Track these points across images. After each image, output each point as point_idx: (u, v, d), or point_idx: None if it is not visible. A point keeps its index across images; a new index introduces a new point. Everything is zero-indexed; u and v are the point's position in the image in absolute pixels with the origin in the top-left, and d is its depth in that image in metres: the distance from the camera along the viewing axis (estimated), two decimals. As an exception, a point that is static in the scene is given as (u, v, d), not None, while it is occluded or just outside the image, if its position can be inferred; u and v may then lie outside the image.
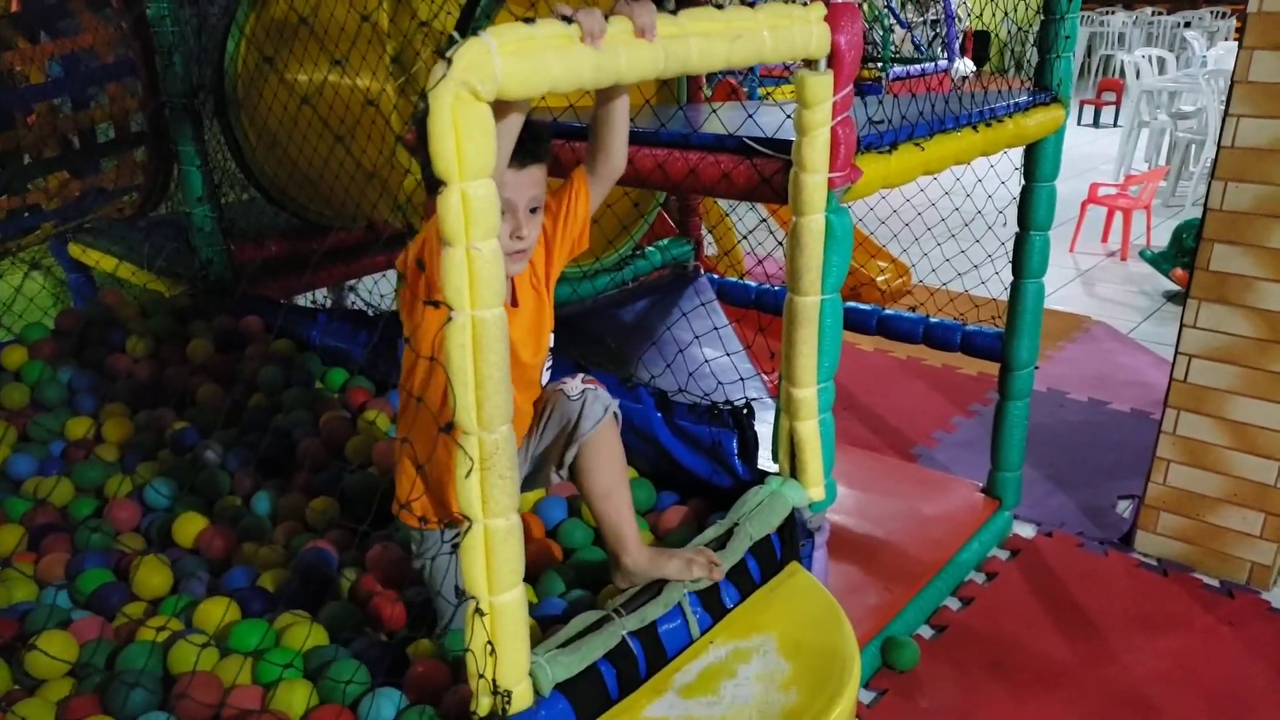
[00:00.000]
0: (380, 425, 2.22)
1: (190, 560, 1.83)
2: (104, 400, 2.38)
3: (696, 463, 1.85)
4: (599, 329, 2.71)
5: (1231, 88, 2.13)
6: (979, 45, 11.49)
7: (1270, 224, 2.14)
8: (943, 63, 8.80)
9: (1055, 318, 4.32)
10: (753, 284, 3.09)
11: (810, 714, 1.32)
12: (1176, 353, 2.35)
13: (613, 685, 1.33)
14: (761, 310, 3.10)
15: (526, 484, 1.59)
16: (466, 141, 0.97)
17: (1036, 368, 3.70)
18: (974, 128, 1.90)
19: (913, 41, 9.63)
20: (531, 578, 1.66)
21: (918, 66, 8.40)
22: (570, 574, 1.69)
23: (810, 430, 1.66)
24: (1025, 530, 2.65)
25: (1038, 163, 2.29)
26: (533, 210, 1.38)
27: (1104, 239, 5.53)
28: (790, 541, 1.67)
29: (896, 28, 9.47)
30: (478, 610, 1.15)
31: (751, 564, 1.58)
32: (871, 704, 2.03)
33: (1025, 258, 2.37)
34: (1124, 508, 2.73)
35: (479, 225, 1.00)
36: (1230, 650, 2.16)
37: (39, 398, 2.40)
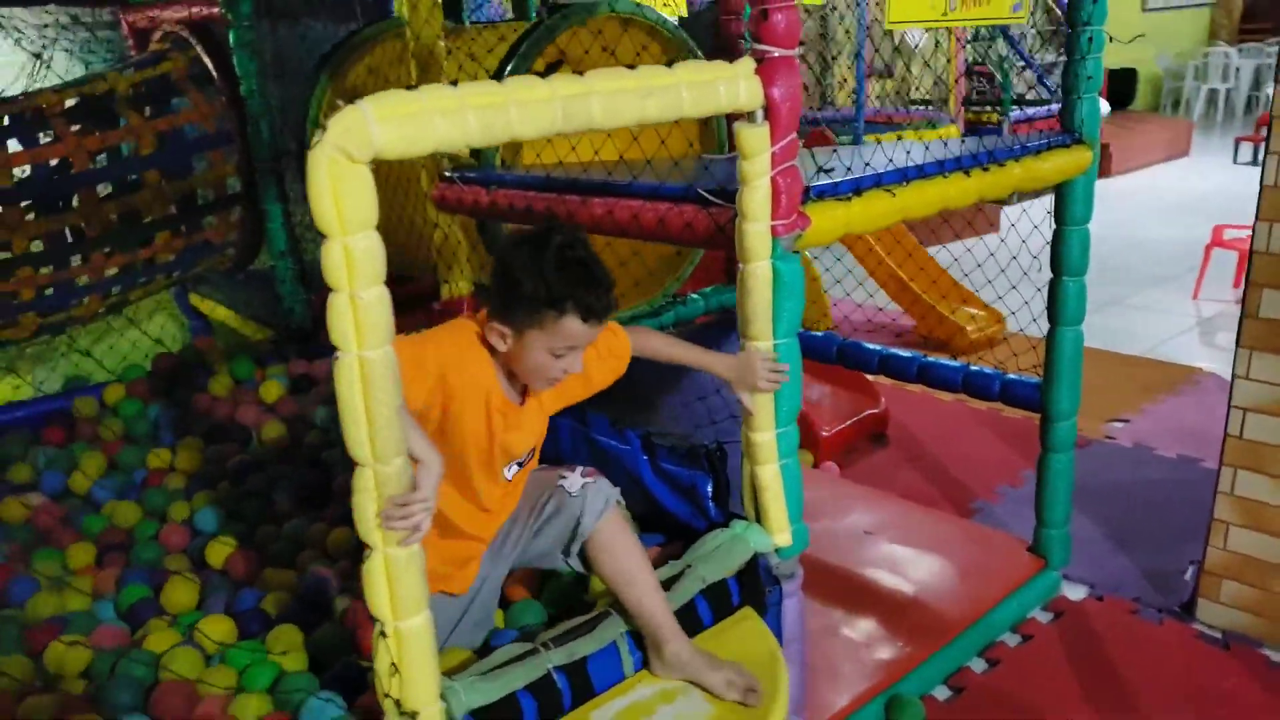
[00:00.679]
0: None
1: (216, 579, 2.00)
2: (182, 435, 2.63)
3: (678, 506, 1.87)
4: (632, 374, 2.77)
5: (1271, 123, 2.01)
6: (1121, 84, 10.99)
7: (1317, 268, 1.99)
8: (1073, 104, 8.46)
9: (1159, 369, 4.08)
10: (804, 331, 3.07)
11: (716, 757, 1.33)
12: (1230, 406, 2.20)
13: (531, 716, 1.37)
14: (809, 356, 3.08)
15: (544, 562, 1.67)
16: (344, 199, 1.07)
17: (1127, 421, 3.57)
18: (965, 172, 1.87)
19: (1043, 83, 9.29)
20: (505, 603, 1.73)
21: (1044, 109, 8.13)
22: (547, 603, 1.74)
23: (771, 475, 1.67)
24: (1076, 592, 2.50)
25: (1067, 205, 2.22)
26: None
27: (1236, 284, 5.17)
28: (750, 586, 1.67)
29: (1021, 69, 9.19)
30: (382, 633, 1.23)
31: (702, 606, 1.60)
32: (869, 762, 1.97)
33: (1060, 304, 2.29)
34: (1192, 574, 2.54)
35: (362, 275, 1.10)
36: (1279, 731, 1.98)
37: (129, 431, 2.68)
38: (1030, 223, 2.83)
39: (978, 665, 2.24)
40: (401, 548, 1.19)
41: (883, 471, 3.31)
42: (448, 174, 2.30)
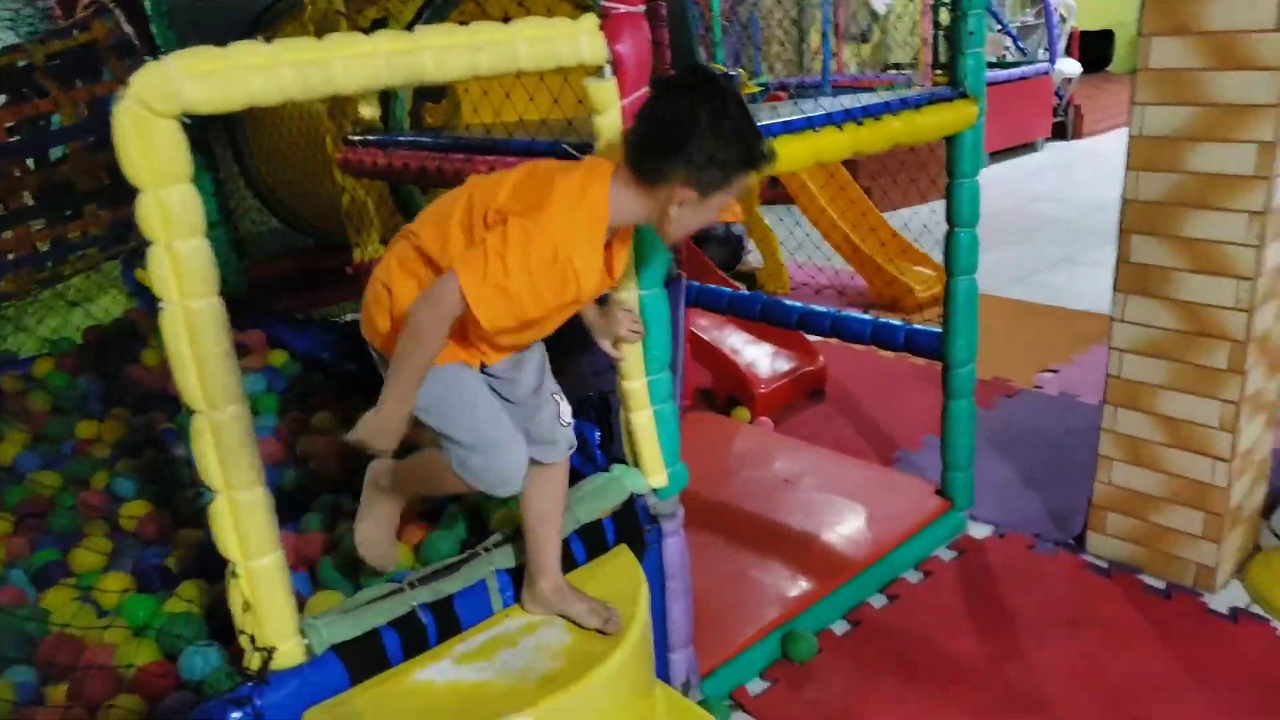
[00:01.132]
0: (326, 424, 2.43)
1: (131, 543, 2.07)
2: (112, 406, 2.69)
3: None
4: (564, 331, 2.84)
5: (1137, 74, 2.06)
6: (1096, 45, 10.96)
7: (1182, 213, 2.05)
8: (1041, 65, 8.49)
9: (1095, 321, 4.13)
10: (726, 290, 3.14)
11: (564, 679, 1.40)
12: (1109, 348, 2.26)
13: (395, 650, 1.44)
14: (734, 315, 3.15)
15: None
16: (152, 153, 1.13)
17: (1056, 371, 3.64)
18: (838, 126, 1.93)
19: (1017, 45, 9.30)
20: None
21: (1015, 71, 8.15)
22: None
23: (644, 420, 1.74)
24: (981, 531, 2.59)
25: (956, 159, 2.27)
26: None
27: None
28: (627, 526, 1.75)
29: (997, 31, 9.20)
30: (234, 573, 1.30)
31: (576, 545, 1.67)
32: (759, 694, 2.05)
33: (954, 255, 2.34)
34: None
35: (178, 226, 1.16)
36: (1143, 651, 2.06)
37: (58, 404, 2.74)
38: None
39: (878, 601, 2.33)
40: (244, 490, 1.26)
41: (815, 425, 3.39)
42: (351, 138, 2.35)
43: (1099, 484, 2.36)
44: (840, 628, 2.25)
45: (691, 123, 1.28)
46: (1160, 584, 2.28)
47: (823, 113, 1.92)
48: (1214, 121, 1.97)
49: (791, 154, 1.85)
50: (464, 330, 1.42)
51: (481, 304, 1.31)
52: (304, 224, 3.33)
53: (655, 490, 1.78)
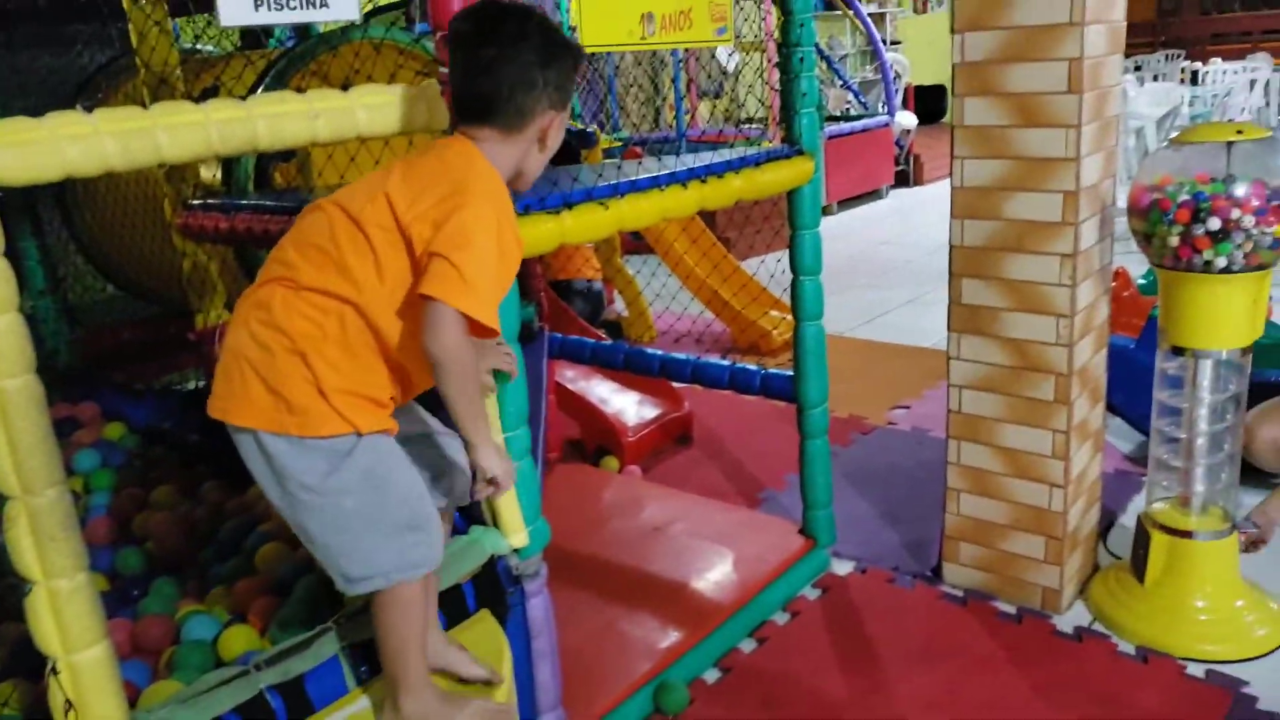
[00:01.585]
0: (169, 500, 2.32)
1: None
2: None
3: (426, 518, 1.91)
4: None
5: (953, 130, 2.22)
6: (931, 99, 11.72)
7: (1004, 257, 2.21)
8: (882, 118, 9.00)
9: (941, 357, 4.35)
10: (589, 341, 3.17)
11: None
12: (949, 385, 2.39)
13: (241, 737, 1.37)
14: (598, 365, 3.19)
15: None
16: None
17: (908, 408, 3.82)
18: (683, 185, 1.99)
19: (858, 99, 9.84)
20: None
21: (858, 124, 8.63)
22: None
23: (500, 479, 1.72)
24: (844, 567, 2.67)
25: (796, 212, 2.37)
26: None
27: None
28: (488, 589, 1.72)
29: (833, 86, 9.73)
30: (54, 670, 1.21)
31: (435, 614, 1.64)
32: (633, 750, 2.04)
33: (800, 302, 2.44)
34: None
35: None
36: (998, 676, 2.16)
37: None
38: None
39: (748, 645, 2.36)
40: (65, 579, 1.18)
41: (683, 470, 3.43)
42: (192, 202, 2.27)
43: (949, 515, 2.48)
44: (712, 675, 2.26)
45: (526, 55, 1.33)
46: (1011, 609, 2.40)
47: (667, 172, 1.98)
48: (1024, 173, 2.14)
49: (640, 212, 1.89)
50: (378, 373, 1.34)
51: (481, 307, 1.26)
52: (144, 290, 3.18)
53: (516, 550, 1.77)
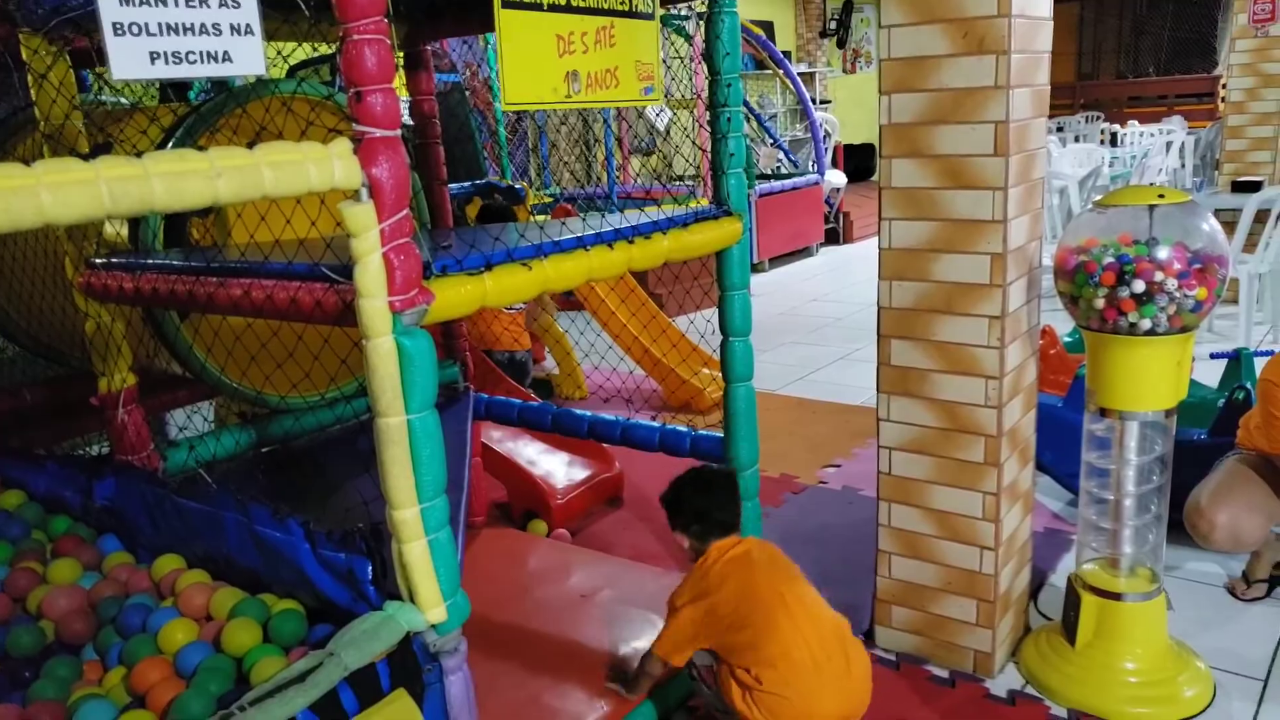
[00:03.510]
0: (68, 575, 2.17)
1: None
2: None
3: (340, 593, 1.81)
4: (332, 461, 2.69)
5: (880, 193, 2.24)
6: (859, 157, 12.05)
7: (932, 318, 2.22)
8: (812, 176, 9.19)
9: (867, 415, 4.37)
10: (516, 401, 3.10)
11: None
12: (879, 446, 2.38)
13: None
14: (526, 426, 3.11)
15: None
16: None
17: (839, 466, 3.81)
18: (609, 245, 1.96)
19: (789, 158, 10.05)
20: None
21: (789, 182, 8.79)
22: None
23: (417, 552, 1.64)
24: (776, 635, 2.61)
25: (725, 272, 2.36)
26: None
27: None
28: (404, 667, 1.62)
29: (764, 145, 9.94)
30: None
31: (346, 695, 1.53)
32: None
33: (730, 363, 2.42)
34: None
35: None
36: (937, 746, 2.12)
37: None
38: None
39: (679, 717, 2.28)
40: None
41: (614, 533, 3.36)
42: (95, 260, 2.16)
43: (880, 578, 2.45)
44: (638, 755, 2.17)
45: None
46: (944, 673, 2.37)
47: (593, 233, 1.94)
48: (951, 235, 2.16)
49: (564, 273, 1.85)
50: None
51: None
52: (47, 350, 3.02)
53: (434, 625, 1.68)
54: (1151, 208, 2.06)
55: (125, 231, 2.30)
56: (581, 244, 1.90)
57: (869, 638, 2.53)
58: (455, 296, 1.63)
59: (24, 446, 2.87)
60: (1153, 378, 2.09)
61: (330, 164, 1.43)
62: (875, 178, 12.11)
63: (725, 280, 2.37)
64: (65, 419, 2.97)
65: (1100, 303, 2.05)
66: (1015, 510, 2.33)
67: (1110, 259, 2.04)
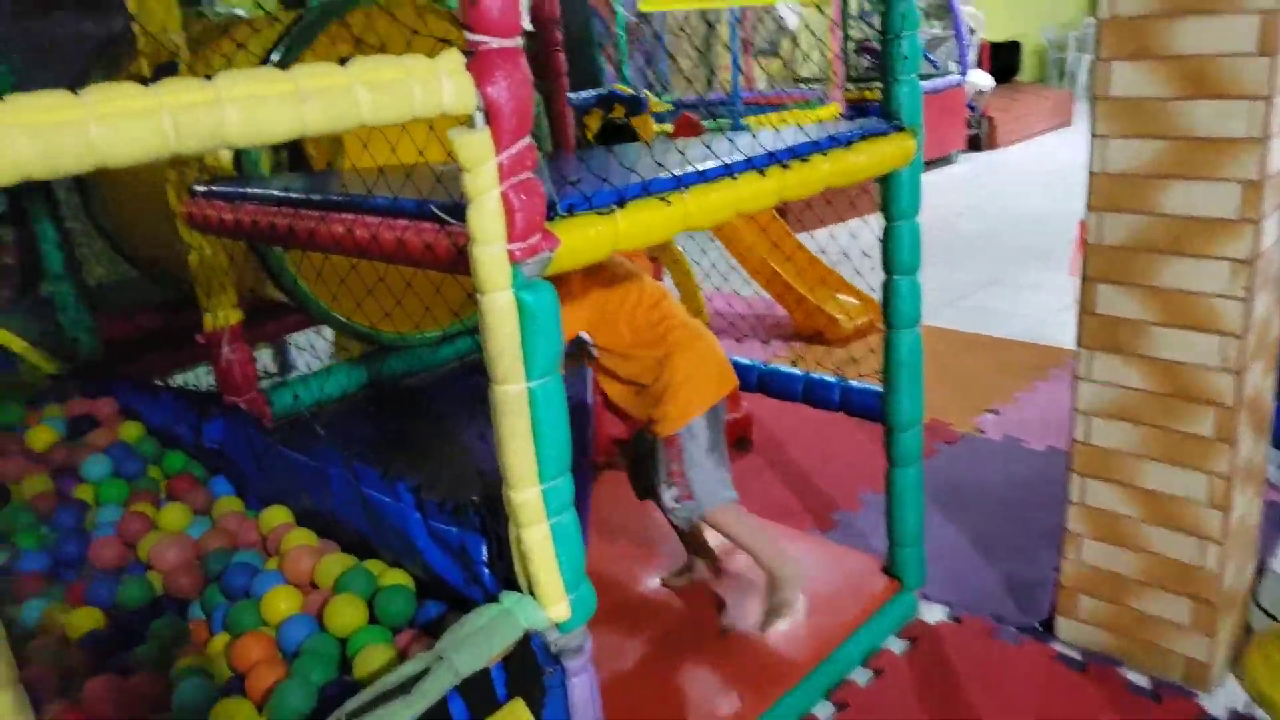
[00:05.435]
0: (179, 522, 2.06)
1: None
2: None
3: (452, 571, 1.61)
4: (440, 402, 2.51)
5: (1093, 103, 1.82)
6: (1003, 56, 11.04)
7: (1154, 259, 1.81)
8: (953, 78, 8.44)
9: (1033, 352, 3.95)
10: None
11: None
12: (1074, 410, 2.01)
13: None
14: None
15: None
16: None
17: (998, 413, 3.42)
18: (760, 172, 1.63)
19: (927, 58, 9.25)
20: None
21: (928, 84, 8.08)
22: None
23: (538, 538, 1.40)
24: (933, 614, 2.32)
25: (892, 199, 2.00)
26: None
27: (1071, 272, 5.11)
28: (522, 673, 1.41)
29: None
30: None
31: (457, 707, 1.33)
32: (694, 843, 1.74)
33: (894, 305, 2.07)
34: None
35: None
36: (1138, 769, 1.81)
37: None
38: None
39: (824, 711, 2.03)
40: None
41: (744, 482, 3.02)
42: (197, 188, 1.97)
43: (1067, 561, 2.11)
44: (785, 746, 1.94)
45: None
46: (1144, 680, 2.02)
47: (743, 158, 1.62)
48: (1189, 156, 1.74)
49: (708, 208, 1.54)
50: None
51: None
52: (163, 276, 2.92)
53: (557, 624, 1.45)
54: None
55: (228, 155, 2.11)
56: (730, 172, 1.58)
57: (1047, 628, 2.20)
58: (582, 240, 1.36)
59: (141, 374, 2.80)
60: None
61: (439, 83, 1.15)
62: (1019, 77, 11.20)
63: (892, 208, 2.01)
64: (178, 347, 2.88)
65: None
66: (1248, 493, 1.94)
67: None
